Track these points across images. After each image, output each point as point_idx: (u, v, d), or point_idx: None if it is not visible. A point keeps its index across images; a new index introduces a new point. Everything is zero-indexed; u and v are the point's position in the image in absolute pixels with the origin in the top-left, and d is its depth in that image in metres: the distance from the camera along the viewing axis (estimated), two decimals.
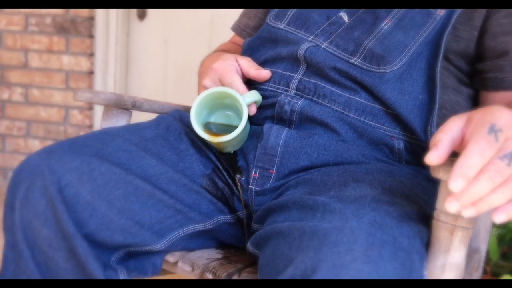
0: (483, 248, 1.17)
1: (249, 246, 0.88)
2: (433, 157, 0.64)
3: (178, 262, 0.95)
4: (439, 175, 0.71)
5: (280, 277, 0.67)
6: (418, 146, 0.96)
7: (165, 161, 0.96)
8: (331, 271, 0.63)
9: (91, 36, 2.65)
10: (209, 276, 0.91)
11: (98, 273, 0.86)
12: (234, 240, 1.03)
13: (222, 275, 0.90)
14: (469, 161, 0.60)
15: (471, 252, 1.11)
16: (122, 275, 0.89)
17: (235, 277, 0.89)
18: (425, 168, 0.97)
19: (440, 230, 0.74)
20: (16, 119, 2.75)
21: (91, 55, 2.66)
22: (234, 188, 0.98)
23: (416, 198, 0.82)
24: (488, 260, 1.49)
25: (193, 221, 0.96)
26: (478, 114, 0.66)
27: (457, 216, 0.73)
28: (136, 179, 0.91)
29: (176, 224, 0.95)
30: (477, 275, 1.17)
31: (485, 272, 1.54)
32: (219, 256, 0.98)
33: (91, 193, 0.88)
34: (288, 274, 0.66)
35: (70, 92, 2.69)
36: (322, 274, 0.63)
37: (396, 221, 0.71)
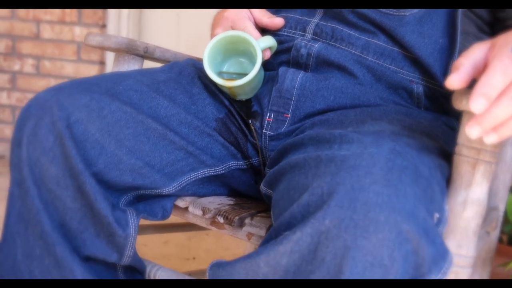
0: (501, 207, 1.14)
1: (262, 187, 0.85)
2: (454, 80, 0.61)
3: (188, 207, 0.92)
4: (462, 105, 0.68)
5: (295, 206, 0.65)
6: (438, 92, 0.93)
7: (177, 103, 0.93)
8: (349, 194, 0.60)
9: None
10: (221, 220, 0.88)
11: (106, 212, 0.83)
12: (246, 188, 1.00)
13: (235, 218, 0.87)
14: (491, 80, 0.57)
15: (488, 209, 1.08)
16: (131, 215, 0.87)
17: (247, 220, 0.86)
18: (445, 115, 0.94)
19: (462, 165, 0.71)
20: (27, 91, 2.74)
21: (103, 26, 2.64)
22: (248, 133, 0.96)
23: (436, 138, 0.79)
24: (504, 224, 1.46)
25: (205, 164, 0.93)
26: (502, 37, 0.63)
27: (479, 150, 0.70)
28: (147, 119, 0.88)
29: (187, 168, 0.92)
30: (494, 234, 1.14)
31: (501, 241, 1.51)
32: (231, 202, 0.95)
33: (100, 131, 0.85)
34: (304, 201, 0.64)
35: (82, 64, 2.68)
36: (340, 197, 0.60)
37: (417, 152, 0.69)
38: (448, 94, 0.92)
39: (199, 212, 0.91)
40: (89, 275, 0.85)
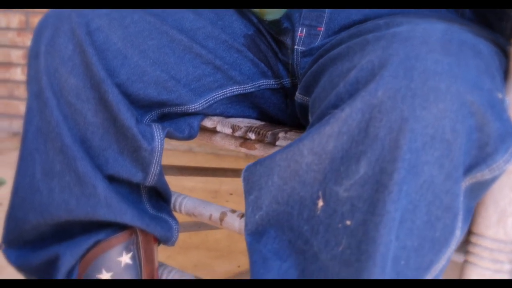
0: None
1: (298, 95, 0.79)
2: None
3: (216, 127, 0.87)
4: None
5: (341, 85, 0.59)
6: None
7: (202, 17, 0.87)
8: (404, 63, 0.54)
9: None
10: (252, 137, 0.82)
11: (130, 123, 0.77)
12: (277, 111, 0.94)
13: (267, 133, 0.81)
14: None
15: None
16: (157, 129, 0.81)
17: (281, 134, 0.80)
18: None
19: None
20: None
21: None
22: (278, 51, 0.89)
23: (488, 38, 0.73)
24: None
25: (234, 81, 0.88)
26: None
27: None
28: (171, 30, 0.83)
29: (215, 84, 0.87)
30: None
31: None
32: (262, 123, 0.89)
33: (122, 41, 0.80)
34: (351, 78, 0.58)
35: None
36: (394, 67, 0.54)
37: (472, 35, 0.62)
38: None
39: (228, 130, 0.85)
40: (112, 193, 0.79)
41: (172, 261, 1.47)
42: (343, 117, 0.56)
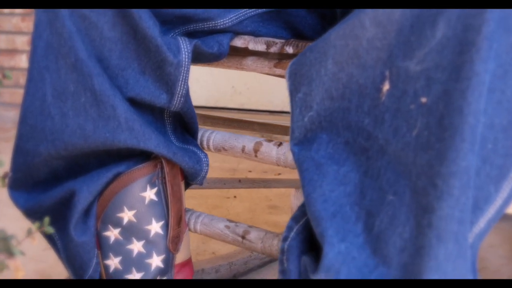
0: None
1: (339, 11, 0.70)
2: None
3: (248, 45, 0.77)
4: None
5: None
6: None
7: None
8: None
9: None
10: (290, 50, 0.73)
11: (153, 32, 0.68)
12: (313, 33, 0.84)
13: (307, 45, 0.72)
14: None
15: None
16: (183, 41, 0.71)
17: None
18: None
19: None
20: None
21: None
22: None
23: None
24: None
25: None
26: None
27: None
28: None
29: None
30: None
31: None
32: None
33: None
34: None
35: None
36: None
37: None
38: None
39: (262, 47, 0.75)
40: (134, 115, 0.70)
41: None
42: None
